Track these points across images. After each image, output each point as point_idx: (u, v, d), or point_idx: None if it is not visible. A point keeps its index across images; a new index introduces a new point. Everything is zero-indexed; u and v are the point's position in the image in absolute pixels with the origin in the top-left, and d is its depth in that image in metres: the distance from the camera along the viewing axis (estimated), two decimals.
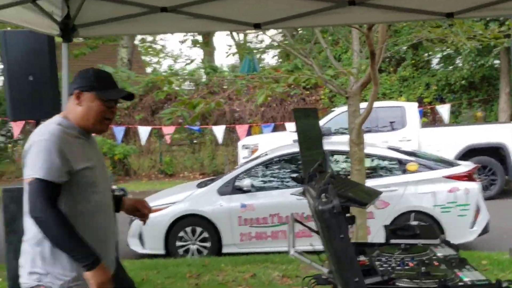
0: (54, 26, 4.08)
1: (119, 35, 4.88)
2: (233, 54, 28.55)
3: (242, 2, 4.12)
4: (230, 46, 28.97)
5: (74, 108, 3.07)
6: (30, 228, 3.03)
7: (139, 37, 25.46)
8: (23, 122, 16.30)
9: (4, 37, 5.11)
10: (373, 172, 8.67)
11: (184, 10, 4.20)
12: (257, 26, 4.28)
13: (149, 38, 29.03)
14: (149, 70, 28.88)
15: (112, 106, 3.12)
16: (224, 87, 16.68)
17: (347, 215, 3.02)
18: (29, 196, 2.91)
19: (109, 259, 3.14)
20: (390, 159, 8.72)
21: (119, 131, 15.38)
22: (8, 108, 5.17)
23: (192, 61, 29.53)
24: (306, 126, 3.24)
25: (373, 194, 3.09)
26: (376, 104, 13.56)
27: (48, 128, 2.99)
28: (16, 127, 14.85)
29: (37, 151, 2.90)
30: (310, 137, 3.28)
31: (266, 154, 9.32)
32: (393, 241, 3.20)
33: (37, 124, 5.74)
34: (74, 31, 4.21)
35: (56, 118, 3.07)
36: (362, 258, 3.01)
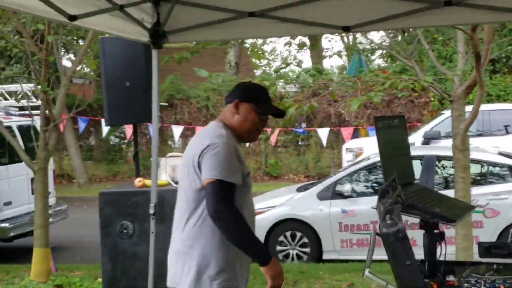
0: (143, 32, 4.11)
1: (208, 40, 4.89)
2: (330, 57, 28.24)
3: (331, 5, 3.97)
4: (327, 49, 28.68)
5: (231, 116, 3.26)
6: (189, 229, 3.14)
7: (249, 40, 25.68)
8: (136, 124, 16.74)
9: (102, 43, 5.25)
10: (483, 179, 8.24)
11: (272, 14, 4.10)
12: (346, 29, 4.11)
13: (259, 40, 29.18)
14: (259, 72, 29.08)
15: (265, 119, 3.32)
16: (330, 89, 16.46)
17: (435, 231, 2.82)
18: (209, 196, 3.03)
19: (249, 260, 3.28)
20: (501, 165, 8.24)
21: None
22: (105, 112, 5.29)
23: (288, 64, 29.40)
24: (390, 135, 3.06)
25: (465, 209, 2.86)
26: (489, 106, 12.96)
27: (220, 131, 3.16)
28: (129, 129, 15.36)
29: (217, 153, 3.05)
30: (394, 147, 3.09)
31: (369, 158, 9.08)
32: (485, 260, 2.95)
33: (135, 128, 5.87)
34: (164, 38, 4.23)
35: (218, 123, 3.26)
36: (451, 278, 2.79)
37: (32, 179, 10.47)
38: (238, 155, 3.13)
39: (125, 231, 5.32)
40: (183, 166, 3.21)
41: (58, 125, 7.09)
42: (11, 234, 9.63)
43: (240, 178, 3.09)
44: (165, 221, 5.28)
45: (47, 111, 7.05)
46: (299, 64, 27.01)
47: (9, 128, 9.90)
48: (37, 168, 7.05)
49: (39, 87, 6.72)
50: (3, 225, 9.58)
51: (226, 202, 2.99)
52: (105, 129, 15.23)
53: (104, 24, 3.64)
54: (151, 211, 4.48)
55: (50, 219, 10.54)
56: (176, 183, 5.57)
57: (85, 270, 8.12)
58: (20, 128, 10.10)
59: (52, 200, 11.23)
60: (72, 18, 3.26)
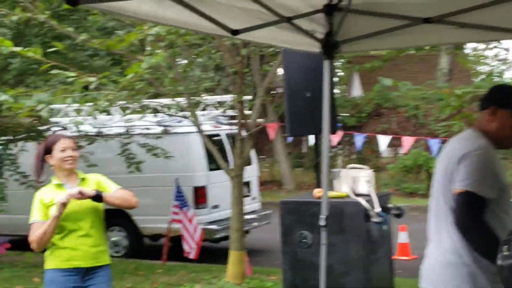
0: (313, 43, 4.10)
1: (380, 49, 4.77)
2: None
3: None
4: None
5: (488, 123, 3.19)
6: (454, 237, 3.10)
7: (470, 45, 24.48)
8: (341, 133, 16.92)
9: (285, 54, 5.35)
10: None
11: (450, 19, 3.86)
12: None
13: (481, 45, 27.64)
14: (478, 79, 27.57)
15: None
16: None
17: None
18: (457, 207, 3.03)
19: None
20: None
21: (434, 143, 14.96)
22: (287, 123, 5.37)
23: (490, 73, 27.17)
24: None
25: None
26: None
27: (476, 142, 3.12)
28: (334, 138, 15.45)
29: (471, 163, 3.02)
30: None
31: None
32: None
33: (317, 138, 5.89)
34: (336, 48, 4.19)
35: (474, 132, 3.21)
36: None
37: None
38: (494, 167, 3.07)
39: (304, 240, 5.36)
40: (438, 172, 3.23)
41: (253, 133, 7.36)
42: (218, 235, 10.22)
43: (493, 191, 3.01)
44: (343, 232, 5.26)
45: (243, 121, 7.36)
46: (500, 74, 25.00)
47: (217, 136, 10.55)
48: (233, 175, 7.39)
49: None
50: (210, 227, 10.20)
51: (473, 215, 2.94)
52: (313, 137, 15.44)
53: (270, 37, 3.71)
54: (322, 223, 4.45)
55: (255, 223, 11.05)
56: (357, 195, 5.51)
57: (280, 275, 8.31)
58: (229, 136, 10.69)
59: (257, 205, 11.73)
60: (235, 32, 3.37)
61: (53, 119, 10.27)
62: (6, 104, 5.98)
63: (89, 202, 4.33)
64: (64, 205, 4.19)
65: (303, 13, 3.88)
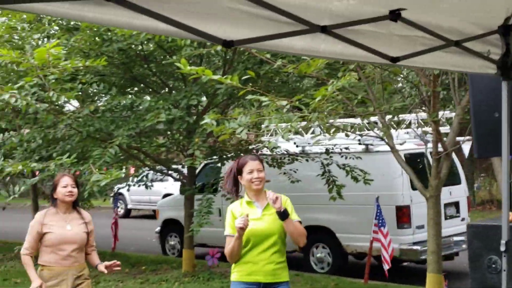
0: (488, 65, 3.97)
1: None
2: None
3: None
4: None
5: None
6: None
7: None
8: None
9: (471, 77, 5.21)
10: None
11: None
12: None
13: None
14: None
15: None
16: None
17: None
18: None
19: None
20: None
21: None
22: (474, 144, 5.20)
23: None
24: None
25: None
26: None
27: None
28: None
29: None
30: None
31: None
32: None
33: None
34: None
35: None
36: None
37: (445, 205, 10.72)
38: None
39: (493, 266, 5.14)
40: None
41: (450, 153, 7.17)
42: (422, 257, 9.98)
43: None
44: None
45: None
46: None
47: (422, 155, 10.35)
48: (429, 196, 7.25)
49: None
50: (415, 247, 10.03)
51: None
52: None
53: (434, 61, 3.67)
54: (502, 248, 4.26)
55: (464, 246, 10.64)
56: None
57: None
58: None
59: (466, 227, 11.25)
60: (394, 59, 3.41)
61: (263, 138, 10.91)
62: (207, 127, 6.52)
63: (277, 221, 4.58)
64: (242, 229, 4.49)
65: (474, 35, 3.79)
